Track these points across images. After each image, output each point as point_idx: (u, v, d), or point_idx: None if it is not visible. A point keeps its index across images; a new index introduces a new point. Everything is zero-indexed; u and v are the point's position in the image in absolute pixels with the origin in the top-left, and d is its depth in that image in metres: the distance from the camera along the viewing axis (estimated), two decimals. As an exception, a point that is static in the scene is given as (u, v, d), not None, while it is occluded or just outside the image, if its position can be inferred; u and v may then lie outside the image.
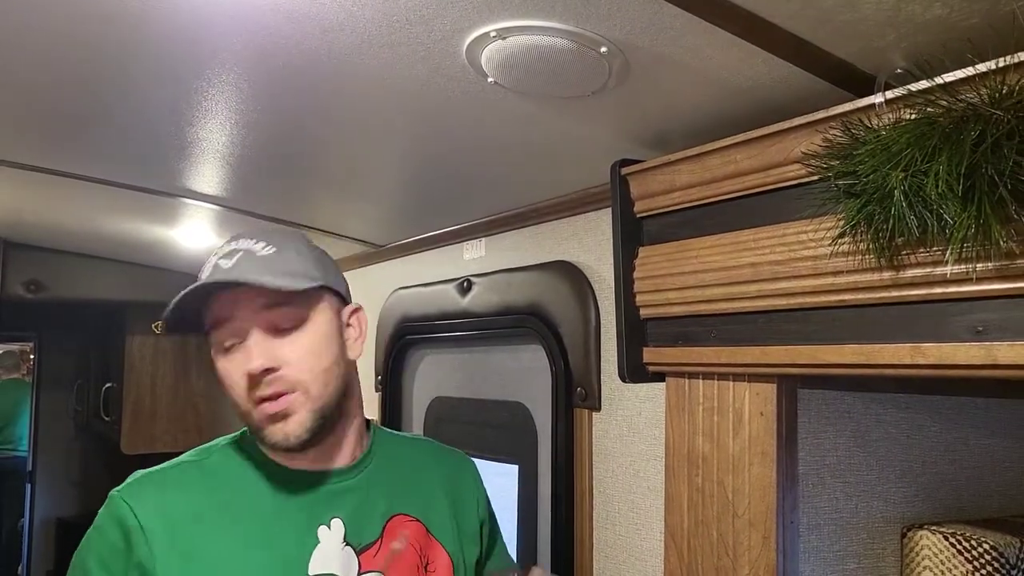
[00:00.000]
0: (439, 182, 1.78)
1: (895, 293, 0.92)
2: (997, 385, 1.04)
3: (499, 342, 2.01)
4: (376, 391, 2.46)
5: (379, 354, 2.44)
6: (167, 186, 2.01)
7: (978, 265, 0.81)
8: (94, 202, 2.35)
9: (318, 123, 1.45)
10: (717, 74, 1.06)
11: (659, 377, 1.30)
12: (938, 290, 0.87)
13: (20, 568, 4.16)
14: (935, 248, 0.85)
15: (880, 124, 0.91)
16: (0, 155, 1.87)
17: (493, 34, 1.01)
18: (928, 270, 0.87)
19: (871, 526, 1.26)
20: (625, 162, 1.29)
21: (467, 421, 2.15)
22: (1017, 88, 0.77)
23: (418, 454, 1.21)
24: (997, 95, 0.78)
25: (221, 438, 1.09)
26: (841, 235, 0.93)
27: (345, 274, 1.13)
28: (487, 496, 1.25)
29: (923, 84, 0.85)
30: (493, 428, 2.04)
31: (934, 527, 1.24)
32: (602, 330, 1.60)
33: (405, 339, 2.32)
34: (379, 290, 2.45)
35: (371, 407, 2.48)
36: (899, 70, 0.96)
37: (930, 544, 1.23)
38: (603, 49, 1.01)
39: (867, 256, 0.91)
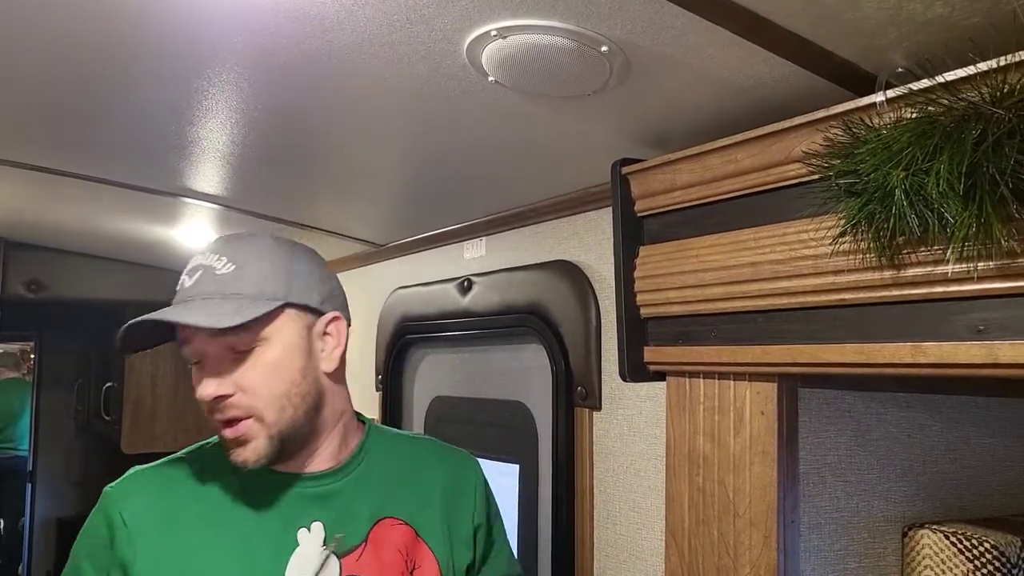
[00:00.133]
0: (440, 181, 1.78)
1: (896, 292, 0.92)
2: (998, 384, 1.04)
3: (500, 341, 2.01)
4: (376, 391, 2.46)
5: (379, 354, 2.44)
6: (168, 185, 2.01)
7: (979, 264, 0.81)
8: (95, 201, 2.35)
9: (318, 122, 1.45)
10: (718, 73, 1.06)
11: (660, 376, 1.30)
12: (939, 289, 0.87)
13: (20, 568, 4.16)
14: (936, 247, 0.85)
15: (881, 123, 0.91)
16: (1, 154, 1.87)
17: (494, 33, 1.01)
18: (929, 269, 0.87)
19: (872, 525, 1.26)
20: (626, 161, 1.29)
21: (468, 421, 2.15)
22: (1018, 87, 0.77)
23: (416, 454, 1.18)
24: (998, 94, 0.78)
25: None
26: (842, 234, 0.93)
27: (345, 273, 1.13)
28: (488, 499, 1.21)
29: (924, 83, 0.85)
30: (494, 428, 2.04)
31: (935, 526, 1.24)
32: (602, 329, 1.60)
33: (406, 338, 2.32)
34: (379, 289, 2.45)
35: (372, 407, 2.48)
36: (900, 69, 0.96)
37: (931, 543, 1.23)
38: (604, 48, 1.01)
39: (868, 255, 0.91)
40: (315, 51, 1.11)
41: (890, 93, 0.90)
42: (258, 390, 0.97)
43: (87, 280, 3.60)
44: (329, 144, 1.59)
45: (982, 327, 0.85)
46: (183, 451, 1.09)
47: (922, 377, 0.95)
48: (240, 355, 0.97)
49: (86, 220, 2.77)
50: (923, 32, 0.90)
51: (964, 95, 0.81)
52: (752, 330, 1.11)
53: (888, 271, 0.91)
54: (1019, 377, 0.83)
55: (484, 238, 2.03)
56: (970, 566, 1.17)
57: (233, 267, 0.98)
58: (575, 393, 1.64)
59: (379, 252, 2.50)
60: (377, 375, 2.46)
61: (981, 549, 1.17)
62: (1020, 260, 0.79)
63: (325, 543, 1.01)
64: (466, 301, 2.03)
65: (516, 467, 1.93)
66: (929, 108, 0.84)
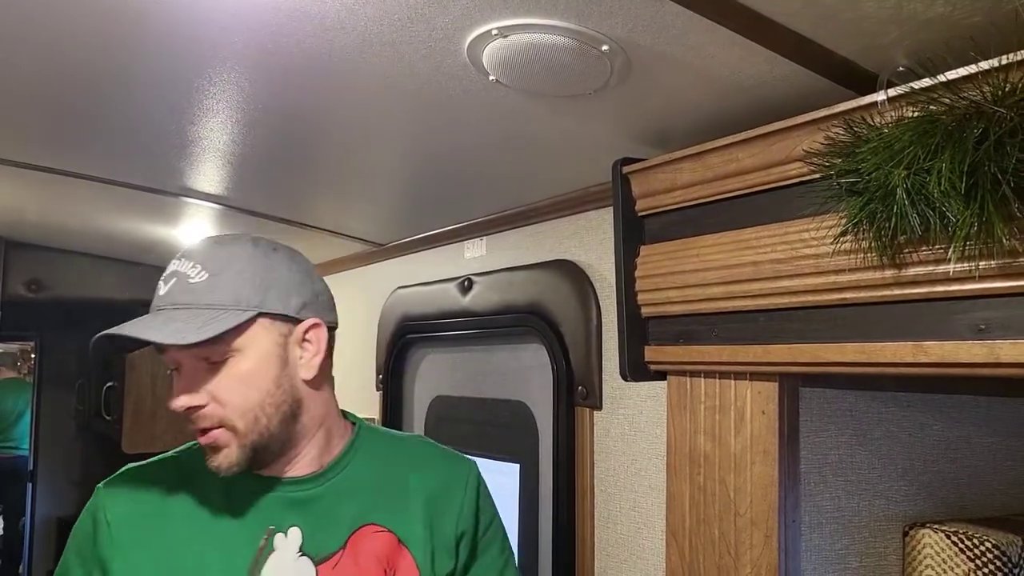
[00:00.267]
0: (440, 181, 1.78)
1: (897, 291, 0.92)
2: (999, 383, 1.04)
3: (500, 341, 2.01)
4: (377, 390, 2.46)
5: (380, 353, 2.44)
6: (168, 185, 2.01)
7: (981, 263, 0.81)
8: (95, 201, 2.35)
9: (319, 121, 1.45)
10: (719, 72, 1.06)
11: (660, 376, 1.30)
12: (940, 288, 0.87)
13: (21, 567, 4.16)
14: (937, 246, 0.85)
15: (882, 122, 0.91)
16: (1, 154, 1.87)
17: (494, 32, 1.01)
18: (930, 268, 0.87)
19: (873, 525, 1.26)
20: (627, 160, 1.29)
21: (468, 420, 2.15)
22: (1020, 86, 0.77)
23: (405, 457, 1.14)
24: (1000, 93, 0.78)
25: None
26: (843, 233, 0.93)
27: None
28: (479, 506, 1.15)
29: (926, 82, 0.85)
30: (494, 427, 2.03)
31: (936, 526, 1.24)
32: (603, 329, 1.60)
33: (406, 338, 2.32)
34: (380, 289, 2.45)
35: (372, 406, 2.48)
36: (901, 68, 0.96)
37: (932, 543, 1.22)
38: (604, 47, 1.01)
39: (869, 254, 0.91)
40: (316, 50, 1.11)
41: (891, 92, 0.90)
42: (230, 401, 0.97)
43: (88, 280, 3.60)
44: (330, 143, 1.58)
45: (983, 326, 0.85)
46: (177, 449, 1.10)
47: (923, 376, 0.95)
48: (215, 365, 0.97)
49: (87, 220, 2.77)
50: (924, 31, 0.90)
51: (965, 94, 0.81)
52: (753, 329, 1.11)
53: (889, 270, 0.91)
54: (1020, 376, 0.83)
55: (484, 237, 2.03)
56: (971, 565, 1.17)
57: (206, 275, 0.97)
58: (576, 392, 1.64)
59: (380, 252, 2.50)
60: (378, 375, 2.46)
61: (982, 549, 1.17)
62: (1021, 259, 0.79)
63: (302, 549, 1.00)
64: (467, 301, 2.03)
65: (517, 467, 1.93)
66: (930, 107, 0.84)
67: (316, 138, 1.55)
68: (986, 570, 1.16)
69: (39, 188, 2.23)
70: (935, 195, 0.80)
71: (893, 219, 0.85)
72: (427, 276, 2.25)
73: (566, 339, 1.67)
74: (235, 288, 0.97)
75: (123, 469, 1.06)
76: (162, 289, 0.98)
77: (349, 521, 1.04)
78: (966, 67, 0.81)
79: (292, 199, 2.12)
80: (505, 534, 1.20)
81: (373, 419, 2.48)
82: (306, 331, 1.03)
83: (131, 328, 0.94)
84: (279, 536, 1.00)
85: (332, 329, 1.08)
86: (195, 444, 1.08)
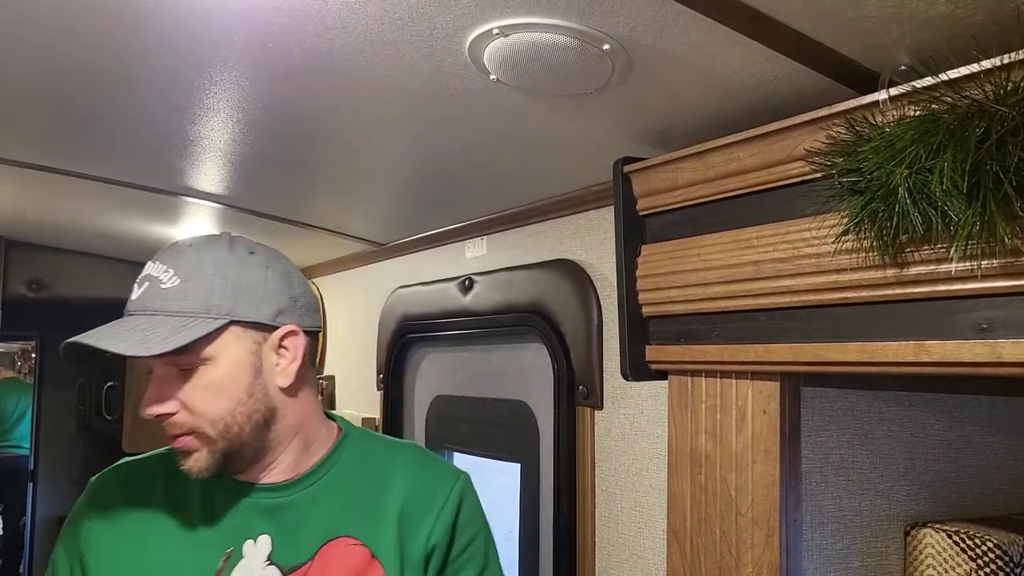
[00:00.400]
0: (441, 180, 1.78)
1: (899, 291, 0.91)
2: (1001, 383, 1.04)
3: (501, 340, 2.01)
4: (377, 390, 2.46)
5: (380, 353, 2.44)
6: (169, 184, 2.01)
7: (983, 262, 0.81)
8: (96, 200, 2.35)
9: (320, 120, 1.44)
10: (720, 71, 1.06)
11: (661, 375, 1.30)
12: (942, 287, 0.87)
13: (21, 567, 4.16)
14: (939, 245, 0.85)
15: (884, 121, 0.90)
16: (1, 154, 1.87)
17: (496, 31, 1.00)
18: (932, 267, 0.87)
19: (874, 524, 1.26)
20: (628, 160, 1.29)
21: (469, 420, 2.15)
22: (1022, 84, 0.77)
23: (389, 467, 1.10)
24: (1002, 91, 0.78)
25: None
26: (845, 232, 0.93)
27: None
28: (458, 521, 1.08)
29: (927, 81, 0.85)
30: (495, 427, 2.03)
31: (937, 525, 1.24)
32: (604, 328, 1.60)
33: (407, 337, 2.32)
34: (380, 289, 2.45)
35: (373, 406, 2.48)
36: (903, 67, 0.96)
37: (933, 542, 1.22)
38: (606, 46, 1.01)
39: (871, 253, 0.91)
40: (317, 49, 1.11)
41: (893, 91, 0.89)
42: (200, 409, 0.96)
43: (88, 279, 3.60)
44: (331, 142, 1.58)
45: (985, 326, 0.84)
46: (166, 447, 1.07)
47: (925, 376, 0.95)
48: (185, 372, 0.96)
49: (87, 219, 2.77)
50: (926, 30, 0.90)
51: (967, 93, 0.80)
52: (754, 329, 1.11)
53: (891, 269, 0.91)
54: (1022, 376, 0.83)
55: (485, 237, 2.03)
56: (972, 565, 1.17)
57: (178, 281, 0.95)
58: (577, 392, 1.64)
59: (380, 251, 2.50)
60: (378, 374, 2.46)
61: (984, 548, 1.17)
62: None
63: (270, 558, 0.99)
64: (467, 300, 2.03)
65: (518, 466, 1.93)
66: (932, 106, 0.83)
67: (317, 137, 1.55)
68: (988, 570, 1.16)
69: (39, 188, 2.23)
70: (937, 194, 0.80)
71: (895, 218, 0.85)
72: (428, 276, 2.25)
73: (567, 338, 1.67)
74: (206, 295, 0.95)
75: (116, 464, 1.08)
76: (135, 293, 0.98)
77: (321, 531, 1.02)
78: (968, 66, 0.81)
79: (293, 198, 2.12)
80: (491, 556, 1.12)
81: (374, 419, 2.48)
82: (282, 338, 1.01)
83: (95, 337, 0.92)
84: (248, 543, 0.99)
85: (315, 333, 1.06)
86: None
